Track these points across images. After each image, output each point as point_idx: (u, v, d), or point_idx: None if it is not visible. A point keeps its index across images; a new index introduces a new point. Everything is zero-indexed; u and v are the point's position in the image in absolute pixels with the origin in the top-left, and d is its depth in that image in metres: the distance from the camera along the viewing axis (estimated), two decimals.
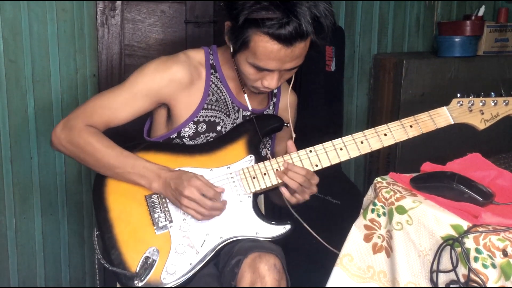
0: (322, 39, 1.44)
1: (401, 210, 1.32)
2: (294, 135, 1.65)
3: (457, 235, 1.19)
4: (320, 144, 1.53)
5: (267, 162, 1.54)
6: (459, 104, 1.48)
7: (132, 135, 1.68)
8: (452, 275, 1.19)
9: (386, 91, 2.90)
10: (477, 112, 1.48)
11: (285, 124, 1.63)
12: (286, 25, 1.37)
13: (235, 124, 1.64)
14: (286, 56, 1.43)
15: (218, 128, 1.61)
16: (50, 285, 2.58)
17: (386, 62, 2.90)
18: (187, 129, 1.59)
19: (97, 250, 1.57)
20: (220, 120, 1.62)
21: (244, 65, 1.49)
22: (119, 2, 2.47)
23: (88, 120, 1.56)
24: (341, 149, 1.51)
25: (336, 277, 1.44)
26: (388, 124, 1.51)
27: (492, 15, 3.20)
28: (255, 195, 1.56)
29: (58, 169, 2.48)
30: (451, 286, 1.20)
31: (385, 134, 1.51)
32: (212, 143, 1.60)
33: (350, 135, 1.52)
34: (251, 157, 1.56)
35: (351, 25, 2.95)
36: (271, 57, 1.43)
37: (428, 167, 1.49)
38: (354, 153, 1.51)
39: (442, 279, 1.23)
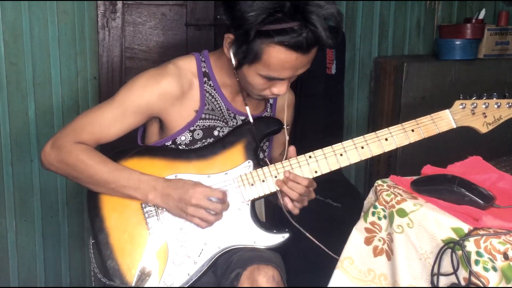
0: (335, 40, 1.40)
1: (402, 213, 1.32)
2: (287, 138, 1.59)
3: (458, 238, 1.18)
4: (320, 150, 1.50)
5: (265, 169, 1.51)
6: (461, 107, 1.47)
7: (126, 143, 1.63)
8: (453, 278, 1.19)
9: (386, 94, 2.90)
10: (479, 115, 1.46)
11: (284, 127, 1.59)
12: (303, 34, 1.34)
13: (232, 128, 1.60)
14: (301, 63, 1.41)
15: (215, 133, 1.57)
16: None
17: (387, 65, 2.90)
18: (183, 137, 1.55)
19: (92, 259, 1.56)
20: (218, 126, 1.58)
21: (254, 77, 1.45)
22: (120, 5, 2.47)
23: (77, 138, 1.51)
24: (341, 154, 1.49)
25: (337, 280, 1.44)
26: (389, 128, 1.49)
27: (493, 18, 3.20)
28: (253, 203, 1.54)
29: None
30: None
31: (386, 139, 1.48)
32: (209, 148, 1.55)
33: (350, 140, 1.50)
34: (249, 163, 1.53)
35: (352, 28, 2.96)
36: (286, 67, 1.40)
37: (429, 170, 1.48)
38: (354, 159, 1.49)
39: (443, 282, 1.22)
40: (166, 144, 1.57)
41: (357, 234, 1.44)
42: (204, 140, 1.56)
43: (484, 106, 1.46)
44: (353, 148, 1.49)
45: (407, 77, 2.76)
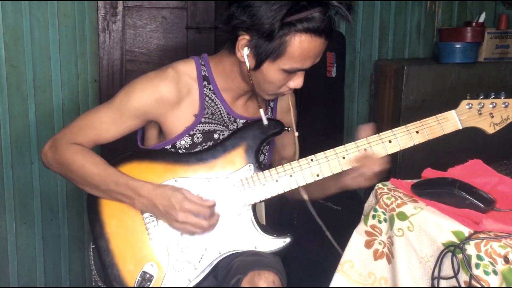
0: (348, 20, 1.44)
1: (402, 217, 1.32)
2: (297, 134, 1.60)
3: (458, 242, 1.18)
4: (322, 153, 1.49)
5: (266, 172, 1.50)
6: (468, 107, 1.44)
7: (126, 145, 1.62)
8: (453, 282, 1.19)
9: (386, 97, 2.90)
10: (486, 115, 1.44)
11: (286, 128, 1.58)
12: (326, 18, 1.37)
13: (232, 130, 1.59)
14: (321, 50, 1.44)
15: (216, 136, 1.56)
16: None
17: (387, 68, 2.90)
18: (182, 141, 1.54)
19: (92, 266, 1.56)
20: (218, 130, 1.57)
21: (275, 74, 1.45)
22: (120, 8, 2.47)
23: (74, 139, 1.52)
24: (343, 157, 1.48)
25: (337, 283, 1.44)
26: (393, 129, 1.47)
27: (493, 21, 3.20)
28: (254, 207, 1.53)
29: (58, 175, 2.48)
30: None
31: (390, 141, 1.47)
32: (210, 152, 1.53)
33: (353, 142, 1.49)
34: (250, 166, 1.52)
35: (352, 31, 2.96)
36: (310, 55, 1.42)
37: (429, 173, 1.48)
38: (357, 162, 1.49)
39: (444, 285, 1.22)
40: (166, 147, 1.56)
41: (358, 237, 1.43)
42: (204, 144, 1.55)
43: (491, 106, 1.44)
44: (356, 151, 1.48)
45: (407, 80, 2.76)
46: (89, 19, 2.44)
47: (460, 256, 1.16)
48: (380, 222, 1.39)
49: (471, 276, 1.13)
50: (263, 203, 1.80)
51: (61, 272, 2.60)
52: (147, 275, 1.47)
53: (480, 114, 1.45)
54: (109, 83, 2.51)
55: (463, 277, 1.17)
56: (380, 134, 1.48)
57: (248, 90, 1.56)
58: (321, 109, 2.67)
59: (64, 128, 1.56)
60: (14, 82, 2.35)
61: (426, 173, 1.49)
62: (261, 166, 1.54)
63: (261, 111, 1.54)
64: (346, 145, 1.49)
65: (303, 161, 1.50)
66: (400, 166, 2.77)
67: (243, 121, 1.61)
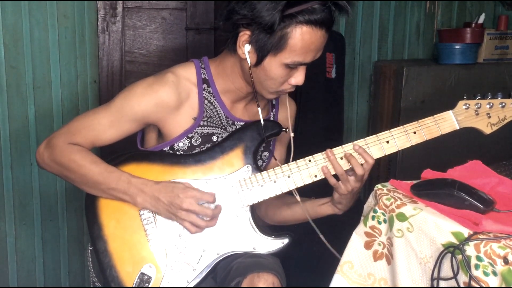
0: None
1: (402, 217, 1.32)
2: (292, 134, 1.60)
3: (458, 243, 1.18)
4: (320, 153, 1.50)
5: (264, 173, 1.50)
6: (465, 107, 1.45)
7: (124, 147, 1.62)
8: (453, 283, 1.19)
9: (386, 98, 2.90)
10: (484, 115, 1.44)
11: (284, 129, 1.58)
12: (326, 9, 1.38)
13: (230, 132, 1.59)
14: (322, 43, 1.44)
15: (214, 138, 1.56)
16: None
17: (387, 69, 2.90)
18: (181, 143, 1.54)
19: (90, 267, 1.56)
20: (216, 133, 1.57)
21: (276, 69, 1.44)
22: (120, 9, 2.47)
23: (71, 139, 1.51)
24: (341, 158, 1.48)
25: (337, 284, 1.43)
26: (391, 130, 1.48)
27: (492, 22, 3.20)
28: (253, 208, 1.53)
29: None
30: None
31: (388, 142, 1.48)
32: (208, 153, 1.53)
33: (351, 143, 1.49)
34: (248, 167, 1.52)
35: (352, 32, 2.96)
36: (311, 48, 1.42)
37: (428, 174, 1.48)
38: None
39: (443, 286, 1.22)
40: (164, 149, 1.56)
41: (357, 238, 1.43)
42: (202, 146, 1.55)
43: (488, 106, 1.44)
44: (354, 152, 1.49)
45: (407, 81, 2.76)
46: (89, 20, 2.44)
47: (459, 257, 1.16)
48: (379, 223, 1.39)
49: (471, 277, 1.13)
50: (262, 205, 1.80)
51: (61, 272, 2.60)
52: (146, 277, 1.47)
53: (477, 114, 1.45)
54: (108, 84, 2.51)
55: (463, 278, 1.17)
56: (378, 134, 1.49)
57: (249, 91, 1.56)
58: (320, 110, 2.67)
59: (61, 128, 1.56)
60: (13, 83, 2.35)
61: (425, 174, 1.49)
62: (259, 167, 1.54)
63: (259, 109, 1.54)
64: (343, 145, 1.49)
65: (301, 162, 1.50)
66: (399, 167, 2.78)
67: (242, 123, 1.61)
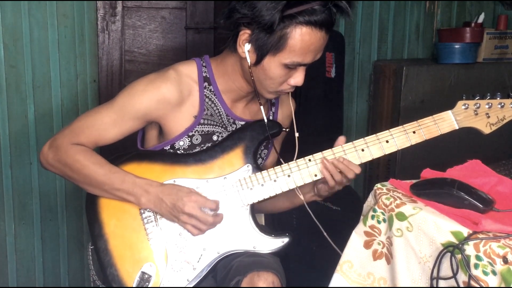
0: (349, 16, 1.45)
1: (401, 217, 1.32)
2: (297, 134, 1.59)
3: (457, 242, 1.18)
4: (320, 153, 1.50)
5: (264, 173, 1.51)
6: (464, 107, 1.45)
7: (125, 146, 1.63)
8: (452, 282, 1.19)
9: (386, 97, 2.91)
10: (483, 115, 1.45)
11: (284, 129, 1.59)
12: (327, 10, 1.38)
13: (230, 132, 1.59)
14: (322, 45, 1.43)
15: (214, 138, 1.56)
16: None
17: (386, 69, 2.90)
18: (181, 142, 1.54)
19: (91, 266, 1.56)
20: (217, 131, 1.57)
21: (275, 68, 1.44)
22: (119, 8, 2.47)
23: (75, 140, 1.51)
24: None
25: (336, 283, 1.44)
26: (390, 130, 1.48)
27: (492, 22, 3.21)
28: (253, 207, 1.53)
29: (57, 175, 2.48)
30: None
31: (387, 141, 1.48)
32: (208, 152, 1.53)
33: (351, 143, 1.49)
34: (248, 167, 1.52)
35: (351, 31, 2.96)
36: (311, 49, 1.42)
37: (428, 173, 1.48)
38: (355, 162, 1.49)
39: (442, 285, 1.22)
40: (165, 148, 1.56)
41: (357, 237, 1.44)
42: (202, 145, 1.56)
43: (487, 106, 1.45)
44: (353, 151, 1.49)
45: (407, 81, 2.77)
46: (88, 20, 2.44)
47: (459, 256, 1.16)
48: (379, 222, 1.39)
49: (470, 276, 1.14)
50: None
51: (60, 272, 2.60)
52: (146, 275, 1.47)
53: (476, 114, 1.45)
54: (108, 83, 2.51)
55: (462, 277, 1.17)
56: (377, 134, 1.49)
57: (249, 91, 1.56)
58: (320, 110, 2.67)
59: (64, 128, 1.56)
60: (13, 82, 2.35)
61: (425, 174, 1.49)
62: (259, 167, 1.54)
63: (262, 108, 1.54)
64: (343, 145, 1.50)
65: (301, 161, 1.50)
66: (399, 166, 2.78)
67: (242, 123, 1.61)
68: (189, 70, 1.56)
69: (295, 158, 1.53)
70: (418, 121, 1.48)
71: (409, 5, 3.06)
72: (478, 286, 1.12)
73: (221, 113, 1.58)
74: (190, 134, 1.54)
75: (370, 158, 1.49)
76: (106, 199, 1.52)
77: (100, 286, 1.53)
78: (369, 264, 1.41)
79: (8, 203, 2.43)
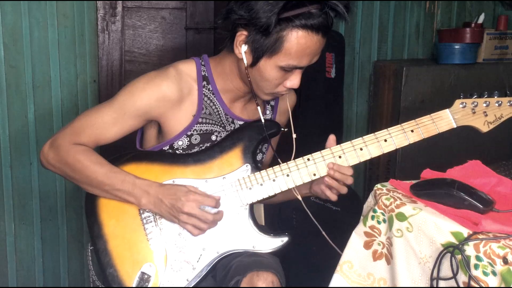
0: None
1: (401, 217, 1.32)
2: (295, 136, 1.59)
3: (457, 243, 1.18)
4: (318, 152, 1.50)
5: (263, 172, 1.51)
6: (462, 106, 1.45)
7: (124, 146, 1.62)
8: (452, 283, 1.19)
9: (386, 97, 2.91)
10: (480, 114, 1.45)
11: (283, 129, 1.59)
12: (324, 14, 1.37)
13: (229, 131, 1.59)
14: (318, 48, 1.43)
15: (213, 137, 1.57)
16: None
17: (386, 69, 2.90)
18: (180, 142, 1.54)
19: (90, 266, 1.56)
20: (215, 131, 1.57)
21: (271, 71, 1.45)
22: (120, 8, 2.47)
23: (76, 139, 1.51)
24: (339, 157, 1.49)
25: (336, 284, 1.44)
26: (388, 128, 1.48)
27: (492, 22, 3.21)
28: (252, 207, 1.53)
29: (57, 175, 2.48)
30: None
31: (385, 140, 1.48)
32: (207, 152, 1.54)
33: (349, 142, 1.49)
34: (247, 167, 1.52)
35: (351, 32, 2.96)
36: (307, 53, 1.42)
37: (428, 174, 1.48)
38: (353, 161, 1.49)
39: (443, 286, 1.22)
40: (164, 148, 1.56)
41: (357, 238, 1.44)
42: (201, 145, 1.56)
43: (485, 104, 1.45)
44: (351, 150, 1.49)
45: (407, 81, 2.77)
46: (88, 20, 2.44)
47: (459, 257, 1.16)
48: (379, 222, 1.39)
49: (470, 277, 1.14)
50: (261, 205, 1.80)
51: (60, 272, 2.60)
52: (145, 276, 1.47)
53: (474, 113, 1.46)
54: (108, 83, 2.51)
55: (462, 277, 1.17)
56: (376, 133, 1.49)
57: (247, 91, 1.56)
58: (320, 110, 2.67)
59: (64, 128, 1.55)
60: (13, 82, 2.35)
61: (425, 174, 1.49)
62: (258, 166, 1.54)
63: (259, 109, 1.54)
64: (342, 144, 1.50)
65: (299, 160, 1.50)
66: (399, 167, 2.78)
67: (241, 122, 1.61)
68: (188, 69, 1.56)
69: (292, 158, 1.53)
70: (416, 120, 1.48)
71: (409, 5, 3.06)
72: (478, 286, 1.12)
73: (219, 112, 1.58)
74: (189, 133, 1.54)
75: (368, 157, 1.49)
76: (105, 199, 1.52)
77: (100, 286, 1.52)
78: (369, 265, 1.41)
79: (8, 203, 2.43)
